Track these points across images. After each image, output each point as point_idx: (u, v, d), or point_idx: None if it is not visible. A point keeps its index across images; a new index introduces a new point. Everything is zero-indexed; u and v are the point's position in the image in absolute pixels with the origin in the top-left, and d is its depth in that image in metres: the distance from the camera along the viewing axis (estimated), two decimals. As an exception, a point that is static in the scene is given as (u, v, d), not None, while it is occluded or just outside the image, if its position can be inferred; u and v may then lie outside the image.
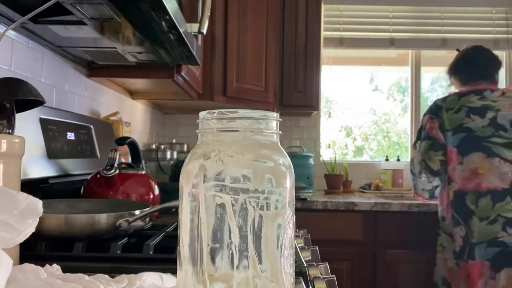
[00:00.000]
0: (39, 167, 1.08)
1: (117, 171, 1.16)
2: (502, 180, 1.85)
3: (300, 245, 1.02)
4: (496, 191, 1.85)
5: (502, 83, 3.09)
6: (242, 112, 0.49)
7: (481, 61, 2.11)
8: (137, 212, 0.88)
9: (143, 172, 1.29)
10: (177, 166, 1.92)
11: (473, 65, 2.11)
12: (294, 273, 0.51)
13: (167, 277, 0.63)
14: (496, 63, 2.12)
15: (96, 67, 1.60)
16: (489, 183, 1.86)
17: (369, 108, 3.18)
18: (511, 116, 1.92)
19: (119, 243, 0.81)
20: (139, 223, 0.90)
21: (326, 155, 3.08)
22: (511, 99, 1.96)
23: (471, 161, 1.91)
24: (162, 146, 2.35)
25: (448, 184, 1.96)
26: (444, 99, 2.05)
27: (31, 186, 1.01)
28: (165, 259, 0.77)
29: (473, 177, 1.89)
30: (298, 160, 2.64)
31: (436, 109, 2.04)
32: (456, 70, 2.17)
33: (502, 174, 1.86)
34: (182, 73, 1.65)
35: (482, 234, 1.83)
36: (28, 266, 0.57)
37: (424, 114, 2.10)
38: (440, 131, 1.99)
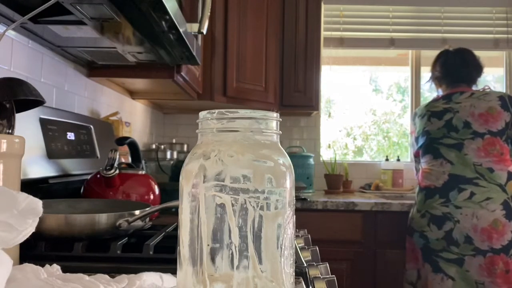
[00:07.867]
0: (39, 167, 1.08)
1: (117, 171, 1.16)
2: (437, 179, 1.98)
3: (300, 245, 1.01)
4: (430, 188, 2.00)
5: (502, 84, 3.10)
6: (242, 112, 0.49)
7: (458, 64, 2.15)
8: (137, 212, 0.88)
9: (143, 172, 1.29)
10: (177, 166, 1.92)
11: (450, 69, 2.16)
12: (294, 273, 0.51)
13: (167, 277, 0.63)
14: (476, 66, 2.16)
15: (96, 67, 1.60)
16: (426, 181, 2.03)
17: (369, 108, 3.18)
18: (466, 117, 2.00)
19: (119, 243, 0.81)
20: (139, 223, 0.90)
21: (326, 155, 3.08)
22: (476, 99, 2.01)
23: (424, 162, 2.10)
24: (162, 146, 2.35)
25: None
26: (421, 106, 2.23)
27: (31, 186, 1.01)
28: (165, 259, 0.77)
29: (422, 177, 2.08)
30: (298, 160, 2.64)
31: (413, 116, 2.24)
32: (435, 76, 2.24)
33: (439, 174, 1.98)
34: (182, 73, 1.65)
35: (417, 224, 2.01)
36: (28, 266, 0.57)
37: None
38: (415, 136, 2.19)
